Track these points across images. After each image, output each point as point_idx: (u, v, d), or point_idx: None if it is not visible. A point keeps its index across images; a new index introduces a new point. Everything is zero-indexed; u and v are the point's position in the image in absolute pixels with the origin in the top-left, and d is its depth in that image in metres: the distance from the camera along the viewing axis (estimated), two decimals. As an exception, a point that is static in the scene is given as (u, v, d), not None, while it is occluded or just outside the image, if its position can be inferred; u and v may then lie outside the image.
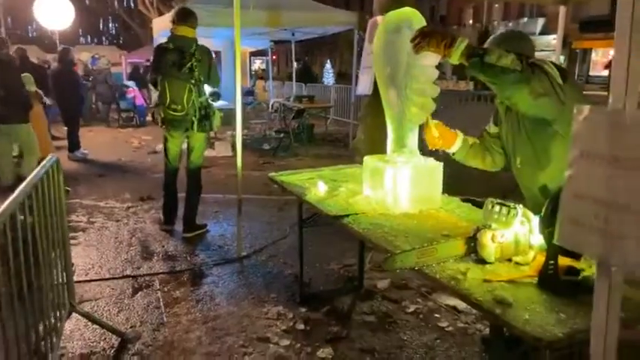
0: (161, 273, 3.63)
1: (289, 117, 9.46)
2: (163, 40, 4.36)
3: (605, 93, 17.39)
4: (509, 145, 2.31)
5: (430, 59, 2.22)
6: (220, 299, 3.23)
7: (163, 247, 4.15)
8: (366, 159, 2.62)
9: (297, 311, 3.06)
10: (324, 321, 2.97)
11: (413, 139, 2.49)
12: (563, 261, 1.54)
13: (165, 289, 3.37)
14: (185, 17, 4.20)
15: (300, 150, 8.73)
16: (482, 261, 1.74)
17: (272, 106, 11.67)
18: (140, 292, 3.33)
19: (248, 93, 15.06)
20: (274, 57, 41.21)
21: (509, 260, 1.75)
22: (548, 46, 27.09)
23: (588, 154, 1.04)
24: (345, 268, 3.71)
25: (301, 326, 2.90)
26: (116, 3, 26.64)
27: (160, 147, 9.05)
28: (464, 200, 2.60)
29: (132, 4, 32.00)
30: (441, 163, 2.46)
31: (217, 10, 7.75)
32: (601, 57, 30.38)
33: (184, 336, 2.80)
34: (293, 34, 11.33)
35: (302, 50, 39.01)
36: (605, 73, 19.05)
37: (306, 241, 3.27)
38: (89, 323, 2.84)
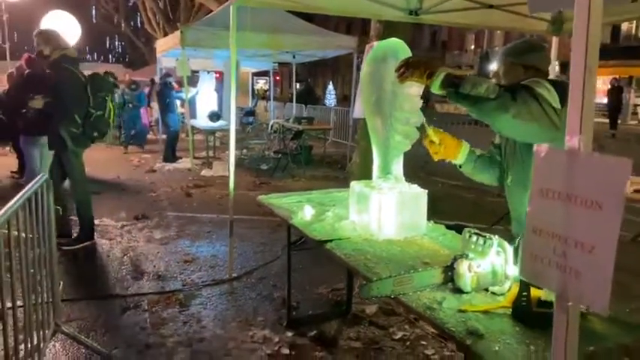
0: (150, 293, 3.62)
1: (288, 138, 9.54)
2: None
3: (607, 120, 17.58)
4: (504, 160, 2.32)
5: (414, 89, 2.27)
6: (207, 321, 3.23)
7: (155, 266, 4.16)
8: (353, 184, 2.65)
9: (283, 335, 3.05)
10: (310, 346, 2.96)
11: (398, 166, 2.52)
12: (537, 292, 1.56)
13: (153, 310, 3.36)
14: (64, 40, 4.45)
15: (298, 171, 8.77)
16: (459, 290, 1.75)
17: (271, 126, 11.76)
18: (127, 313, 3.33)
19: (249, 113, 15.18)
20: (278, 77, 41.69)
21: (486, 290, 1.76)
22: (552, 72, 27.46)
23: (547, 191, 1.07)
24: (333, 292, 3.71)
25: (286, 351, 2.88)
26: (122, 22, 27.03)
27: (158, 165, 9.14)
28: (450, 227, 2.60)
29: (138, 24, 32.52)
30: (426, 190, 2.48)
31: (218, 32, 7.87)
32: (601, 85, 30.59)
33: (168, 359, 2.79)
34: (294, 57, 11.52)
35: (305, 71, 39.42)
36: (605, 100, 19.29)
37: (297, 263, 3.29)
38: (75, 343, 2.84)
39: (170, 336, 3.03)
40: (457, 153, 2.36)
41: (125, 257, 4.36)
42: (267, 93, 21.28)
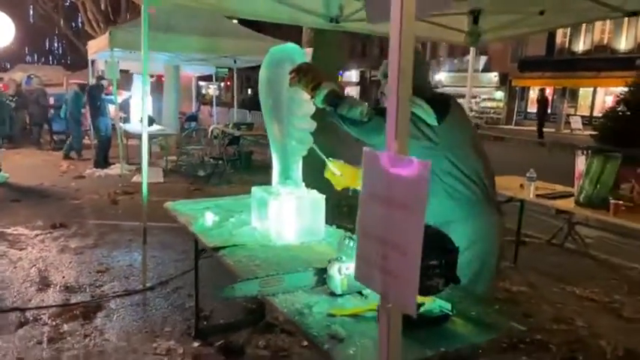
0: (53, 306, 3.44)
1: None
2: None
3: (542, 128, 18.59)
4: None
5: (306, 94, 2.27)
6: (110, 334, 3.09)
7: (64, 277, 3.95)
8: (254, 189, 2.63)
9: (188, 346, 2.97)
10: (215, 356, 2.89)
11: (297, 171, 2.52)
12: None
13: (54, 324, 3.19)
14: None
15: (235, 177, 8.65)
16: (334, 293, 1.75)
17: (211, 132, 11.57)
18: (25, 327, 3.14)
19: (192, 118, 14.90)
20: (229, 82, 41.13)
21: (361, 293, 1.77)
22: (490, 83, 28.65)
23: (371, 195, 1.08)
24: (249, 299, 3.65)
25: (189, 362, 2.81)
26: (62, 22, 25.93)
27: (88, 171, 8.76)
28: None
29: (79, 24, 31.28)
30: (324, 196, 2.48)
31: (151, 34, 7.66)
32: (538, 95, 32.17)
33: (61, 374, 2.65)
34: (235, 62, 11.40)
35: (257, 76, 39.07)
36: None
37: (214, 271, 3.20)
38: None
39: (67, 350, 2.88)
40: (357, 180, 2.26)
41: (33, 268, 4.12)
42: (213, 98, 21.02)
